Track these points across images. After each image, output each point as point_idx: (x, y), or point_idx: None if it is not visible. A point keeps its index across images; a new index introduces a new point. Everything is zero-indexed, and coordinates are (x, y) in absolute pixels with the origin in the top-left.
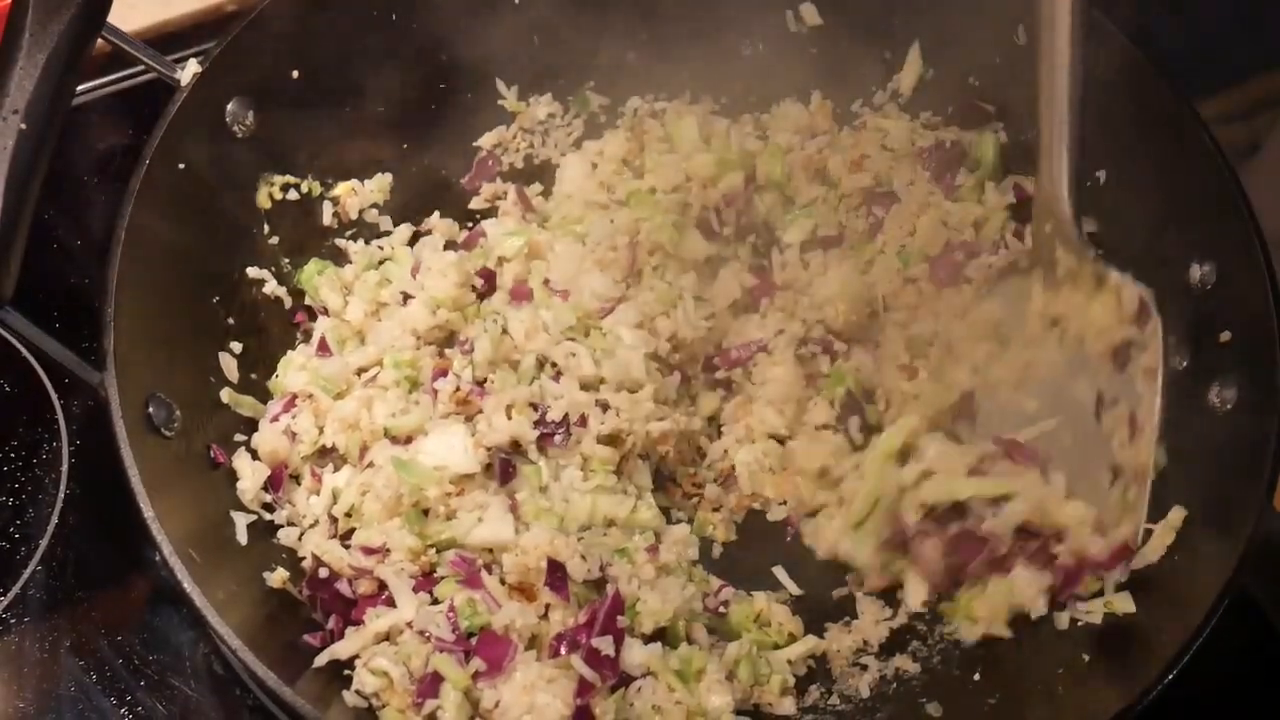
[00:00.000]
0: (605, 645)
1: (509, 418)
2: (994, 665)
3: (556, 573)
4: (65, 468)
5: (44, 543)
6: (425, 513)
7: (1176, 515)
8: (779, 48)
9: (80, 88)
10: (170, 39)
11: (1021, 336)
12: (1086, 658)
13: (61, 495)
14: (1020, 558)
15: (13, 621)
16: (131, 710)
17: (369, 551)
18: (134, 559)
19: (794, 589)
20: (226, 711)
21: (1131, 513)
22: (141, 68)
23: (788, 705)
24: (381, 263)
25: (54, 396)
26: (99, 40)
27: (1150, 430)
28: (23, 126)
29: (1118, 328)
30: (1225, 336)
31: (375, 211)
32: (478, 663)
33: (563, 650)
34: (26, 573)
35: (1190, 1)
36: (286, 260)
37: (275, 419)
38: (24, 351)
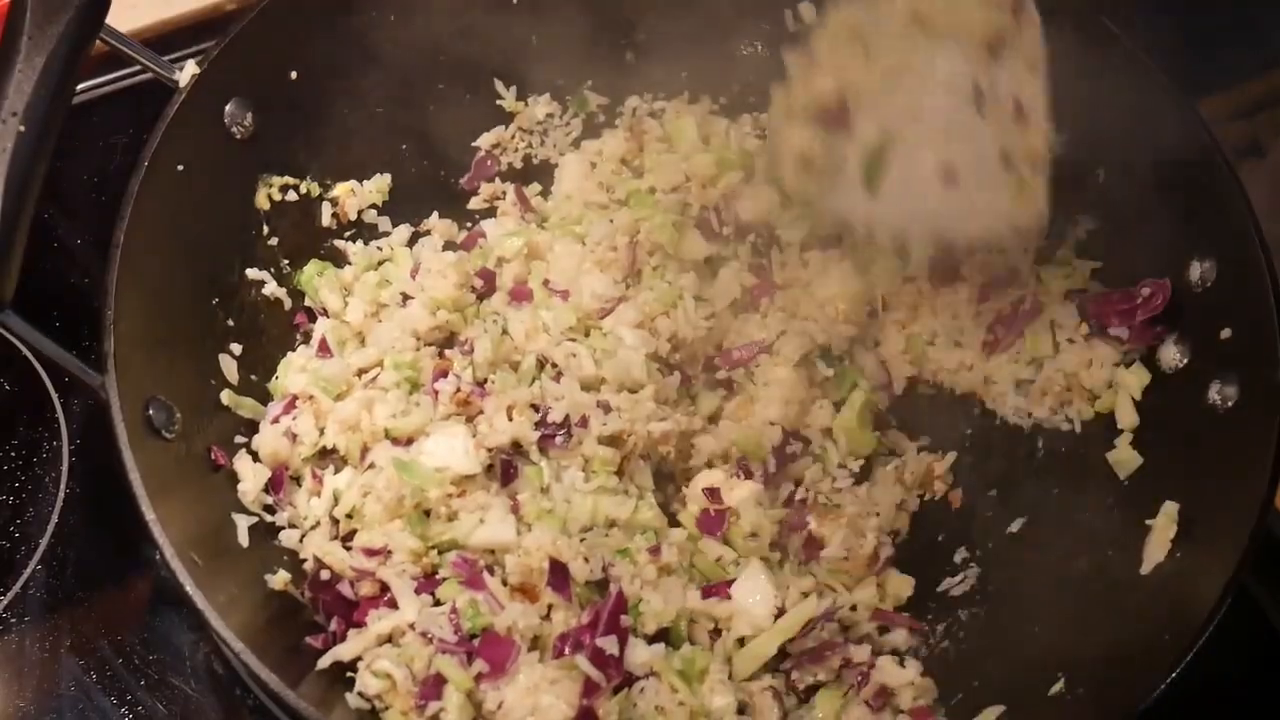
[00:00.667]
0: (609, 645)
1: (510, 419)
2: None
3: (559, 573)
4: (65, 467)
5: (44, 542)
6: (426, 514)
7: (1171, 508)
8: (777, 47)
9: (80, 87)
10: (169, 39)
11: (885, 40)
12: (1092, 654)
13: (62, 494)
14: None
15: (13, 621)
16: (132, 710)
17: (370, 553)
18: (134, 559)
19: None
20: (227, 711)
21: (1029, 196)
22: (140, 67)
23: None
24: (381, 264)
25: (54, 396)
26: (98, 42)
27: (1039, 114)
28: (21, 128)
29: (989, 17)
30: (1226, 334)
31: (374, 212)
32: (480, 664)
33: (567, 651)
34: (27, 572)
35: (1190, 1)
36: (286, 261)
37: (276, 420)
38: (24, 351)
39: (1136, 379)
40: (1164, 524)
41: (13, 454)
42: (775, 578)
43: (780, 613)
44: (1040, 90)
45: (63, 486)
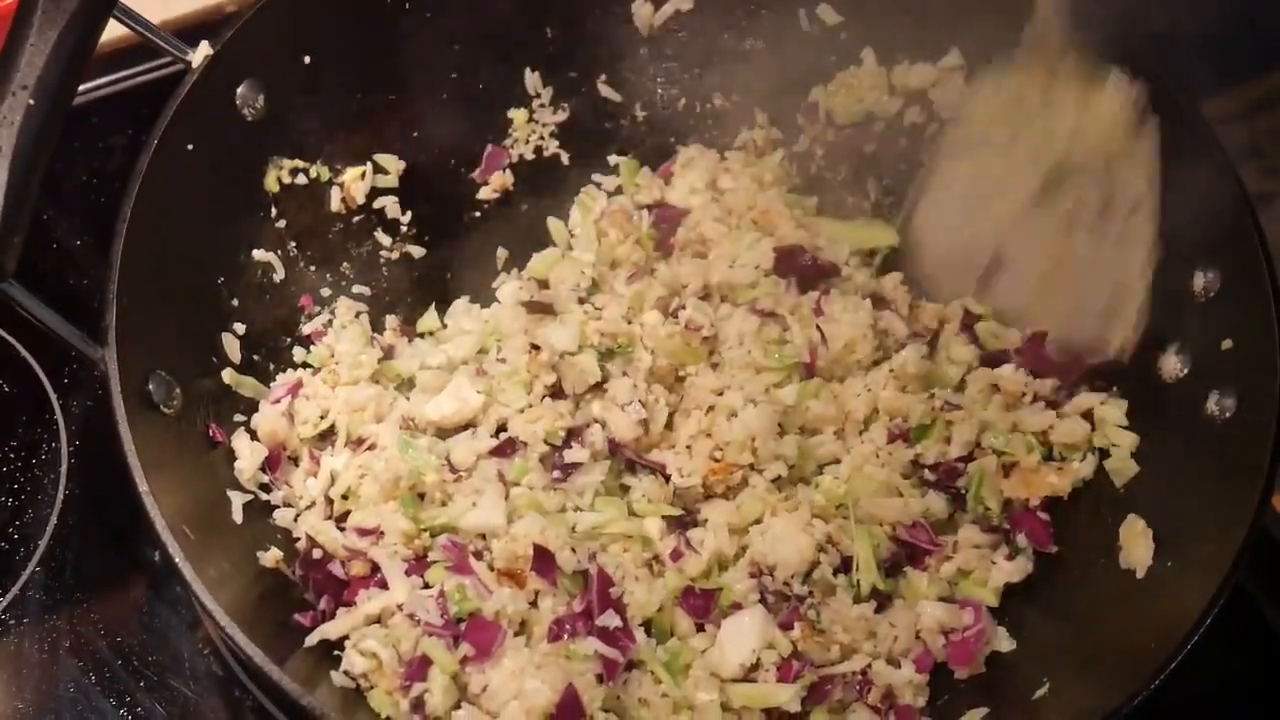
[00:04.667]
0: (611, 620)
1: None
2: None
3: (544, 559)
4: (64, 468)
5: (43, 543)
6: (421, 497)
7: (1135, 520)
8: (792, 46)
9: (79, 89)
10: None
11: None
12: (1080, 659)
13: (61, 496)
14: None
15: (12, 622)
16: (131, 711)
17: (363, 533)
18: (134, 559)
19: None
20: (226, 712)
21: (1120, 323)
22: (140, 69)
23: None
24: None
25: (53, 397)
26: (112, 26)
27: (1147, 234)
28: (31, 102)
29: (1111, 139)
30: (1227, 345)
31: (386, 199)
32: (466, 647)
33: (565, 636)
34: (26, 573)
35: (1190, 2)
36: (293, 244)
37: (277, 401)
38: (23, 351)
39: (1116, 409)
40: (1139, 530)
41: (12, 456)
42: (767, 632)
43: (755, 665)
44: (1152, 206)
45: (62, 488)
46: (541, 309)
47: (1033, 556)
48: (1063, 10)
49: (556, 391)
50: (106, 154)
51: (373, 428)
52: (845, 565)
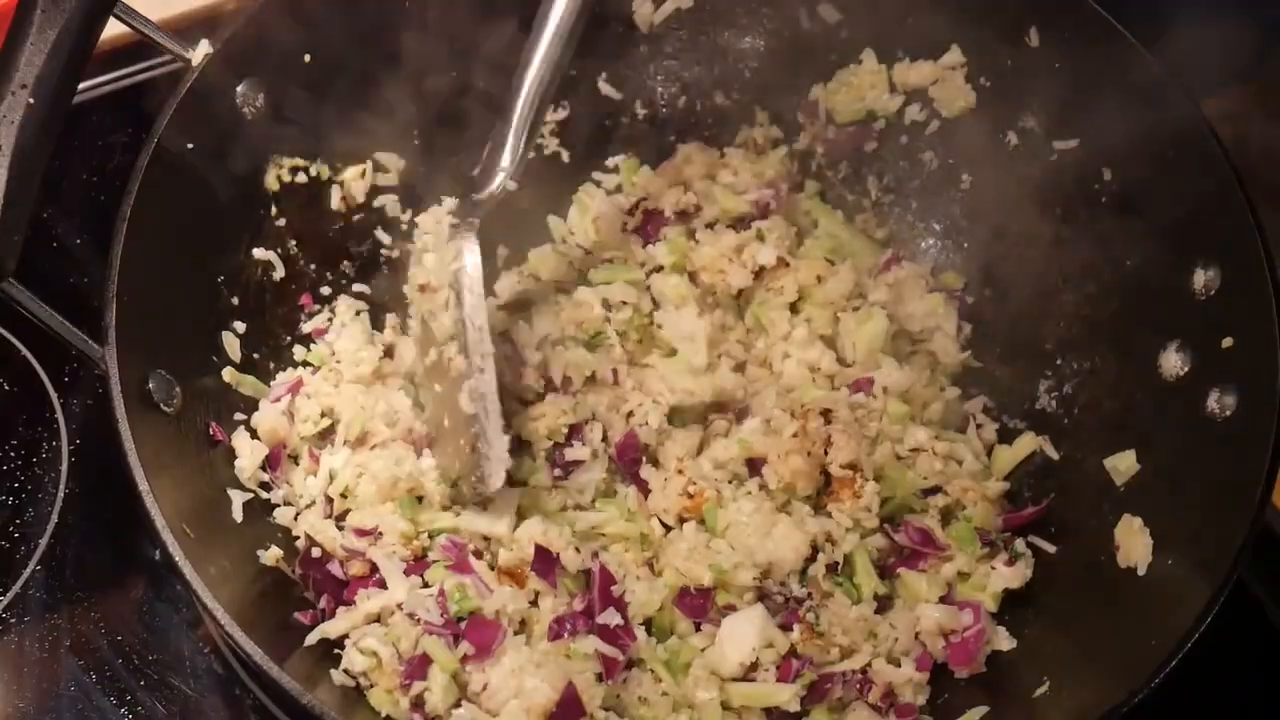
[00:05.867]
0: (612, 618)
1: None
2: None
3: (544, 559)
4: (65, 467)
5: (44, 542)
6: (419, 500)
7: (1130, 519)
8: (792, 44)
9: (79, 88)
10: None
11: None
12: (1080, 657)
13: (61, 494)
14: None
15: (12, 621)
16: (131, 710)
17: (361, 533)
18: (134, 558)
19: None
20: (226, 711)
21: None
22: (140, 67)
23: None
24: None
25: (53, 395)
26: (112, 24)
27: None
28: (31, 101)
29: None
30: (1227, 343)
31: (386, 197)
32: (466, 646)
33: (565, 635)
34: (26, 572)
35: (1191, 1)
36: (293, 242)
37: (277, 400)
38: (23, 350)
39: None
40: (1135, 528)
41: (12, 454)
42: (766, 631)
43: (754, 665)
44: None
45: (62, 486)
46: (518, 307)
47: (1032, 562)
48: None
49: (550, 385)
50: (106, 152)
51: (373, 426)
52: (838, 564)
